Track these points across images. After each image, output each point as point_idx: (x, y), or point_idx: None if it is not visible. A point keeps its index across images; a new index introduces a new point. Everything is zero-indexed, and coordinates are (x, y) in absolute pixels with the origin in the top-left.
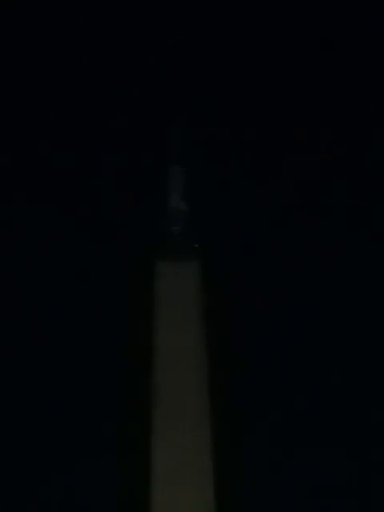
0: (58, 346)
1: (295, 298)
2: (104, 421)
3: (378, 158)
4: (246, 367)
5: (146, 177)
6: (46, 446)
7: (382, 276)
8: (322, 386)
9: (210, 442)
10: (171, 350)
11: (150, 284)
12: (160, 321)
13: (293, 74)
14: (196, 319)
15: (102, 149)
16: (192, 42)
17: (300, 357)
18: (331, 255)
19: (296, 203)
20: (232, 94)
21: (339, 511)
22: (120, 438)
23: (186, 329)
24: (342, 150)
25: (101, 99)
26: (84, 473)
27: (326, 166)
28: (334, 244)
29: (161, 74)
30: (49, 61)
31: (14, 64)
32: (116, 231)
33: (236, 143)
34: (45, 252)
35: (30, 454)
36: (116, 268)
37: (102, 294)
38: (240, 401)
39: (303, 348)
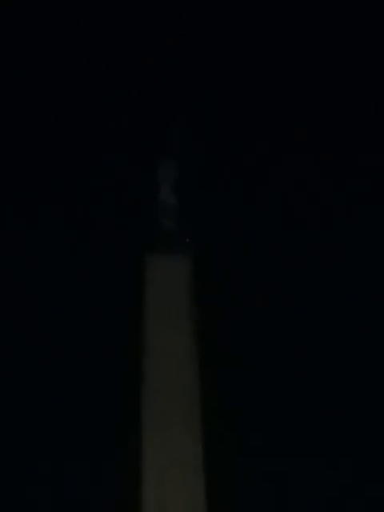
0: (47, 342)
1: (287, 292)
2: (93, 418)
3: (377, 157)
4: (237, 363)
5: (137, 171)
6: (35, 444)
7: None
8: (317, 383)
9: (200, 441)
10: (161, 344)
11: (140, 278)
12: (150, 315)
13: (292, 72)
14: (187, 314)
15: (91, 144)
16: (191, 41)
17: (292, 352)
18: (325, 252)
19: (288, 198)
20: (224, 87)
21: (332, 506)
22: (110, 436)
23: (177, 323)
24: (339, 148)
25: (90, 94)
26: (74, 472)
27: (321, 163)
28: (328, 242)
29: (158, 72)
30: (49, 61)
31: (14, 64)
32: (107, 225)
33: (228, 137)
34: (34, 247)
35: (23, 452)
36: (106, 262)
37: (92, 288)
38: (231, 397)
39: (296, 343)
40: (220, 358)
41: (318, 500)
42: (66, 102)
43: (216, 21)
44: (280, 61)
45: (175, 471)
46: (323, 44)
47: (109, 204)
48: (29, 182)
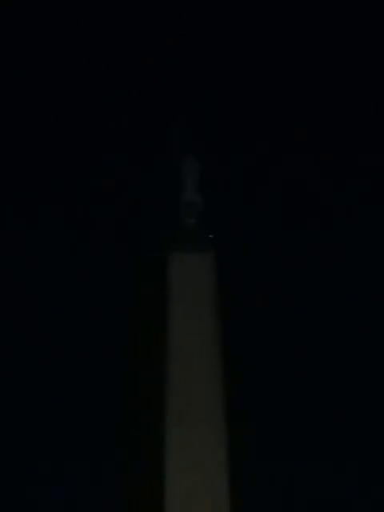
0: (71, 338)
1: (309, 289)
2: (115, 413)
3: (377, 157)
4: (260, 359)
5: (160, 170)
6: (57, 441)
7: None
8: (343, 387)
9: (224, 435)
10: (185, 341)
11: (163, 275)
12: (174, 312)
13: (292, 72)
14: (210, 311)
15: (117, 143)
16: (191, 41)
17: (319, 351)
18: (344, 249)
19: (308, 195)
20: (224, 87)
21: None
22: (132, 429)
23: (200, 320)
24: (339, 148)
25: (114, 111)
26: (96, 469)
27: (337, 161)
28: (347, 240)
29: (175, 83)
30: (49, 61)
31: (14, 65)
32: (131, 224)
33: (250, 136)
34: (61, 245)
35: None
36: (130, 260)
37: (116, 286)
38: (254, 394)
39: (319, 339)
40: (243, 352)
41: (339, 499)
42: (67, 102)
43: (216, 21)
44: (280, 61)
45: (198, 471)
46: (323, 44)
47: (133, 203)
48: (55, 182)
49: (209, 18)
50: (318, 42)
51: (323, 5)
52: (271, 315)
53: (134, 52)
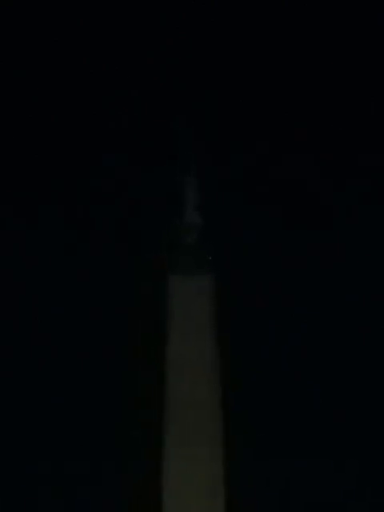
0: (71, 358)
1: (311, 310)
2: (115, 432)
3: (377, 157)
4: (260, 381)
5: (159, 189)
6: (55, 451)
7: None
8: (342, 398)
9: (222, 455)
10: (184, 363)
11: (163, 297)
12: (173, 334)
13: (292, 72)
14: (209, 333)
15: (115, 161)
16: (191, 41)
17: (319, 368)
18: (350, 269)
19: (311, 216)
20: (247, 107)
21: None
22: (131, 450)
23: (200, 342)
24: (339, 148)
25: (114, 111)
26: (93, 482)
27: (338, 170)
28: (353, 258)
29: (175, 83)
30: (49, 61)
31: (14, 65)
32: (129, 243)
33: (250, 155)
34: (56, 265)
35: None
36: (129, 281)
37: (115, 307)
38: (253, 414)
39: (323, 359)
40: (243, 374)
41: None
42: (67, 102)
43: (216, 21)
44: (280, 61)
45: (196, 484)
46: (323, 44)
47: (132, 222)
48: (48, 198)
49: (209, 18)
50: (318, 42)
51: (323, 5)
52: (274, 334)
53: (134, 52)
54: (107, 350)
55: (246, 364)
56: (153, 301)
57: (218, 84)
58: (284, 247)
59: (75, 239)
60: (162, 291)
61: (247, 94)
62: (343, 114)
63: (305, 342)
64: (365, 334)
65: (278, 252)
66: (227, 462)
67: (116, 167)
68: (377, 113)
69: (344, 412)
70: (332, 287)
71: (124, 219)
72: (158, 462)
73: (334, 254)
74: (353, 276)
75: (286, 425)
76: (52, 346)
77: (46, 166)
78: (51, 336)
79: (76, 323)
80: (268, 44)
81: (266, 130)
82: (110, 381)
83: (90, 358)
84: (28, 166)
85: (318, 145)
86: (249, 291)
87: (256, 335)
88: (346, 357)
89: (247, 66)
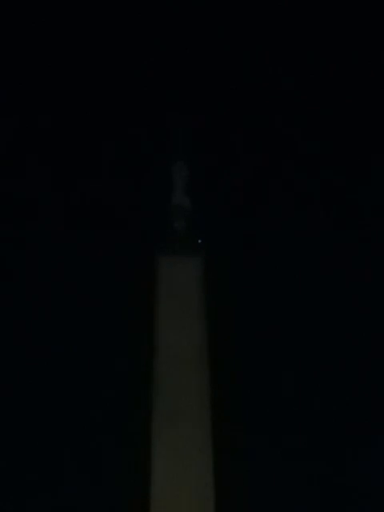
0: (58, 342)
1: (297, 293)
2: (104, 417)
3: (377, 157)
4: (248, 364)
5: (148, 173)
6: (45, 445)
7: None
8: (325, 385)
9: (210, 439)
10: (173, 345)
11: (152, 280)
12: (162, 316)
13: (293, 72)
14: (198, 315)
15: (104, 146)
16: (191, 41)
17: (303, 354)
18: (337, 254)
19: (299, 199)
20: (235, 91)
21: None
22: (119, 435)
23: (188, 324)
24: (339, 147)
25: (103, 97)
26: (83, 473)
27: (330, 163)
28: (340, 243)
29: (163, 73)
30: (49, 61)
31: (14, 65)
32: (119, 227)
33: (239, 140)
34: (46, 249)
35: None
36: (119, 264)
37: (104, 290)
38: (241, 398)
39: (306, 345)
40: (231, 357)
41: (326, 498)
42: (67, 102)
43: (216, 21)
44: (280, 60)
45: (184, 469)
46: (323, 44)
47: (121, 207)
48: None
49: (209, 18)
50: (318, 42)
51: (322, 7)
52: (261, 317)
53: (133, 53)
54: (96, 333)
55: (234, 346)
56: (142, 283)
57: (207, 73)
58: (272, 231)
59: (65, 224)
60: (151, 273)
61: (235, 83)
62: (343, 114)
63: (292, 324)
64: (353, 317)
65: (265, 235)
66: (215, 444)
67: (106, 153)
68: (377, 113)
69: (333, 398)
70: (320, 271)
71: (114, 203)
72: (146, 447)
73: (322, 237)
74: (340, 261)
75: (273, 407)
76: (40, 331)
77: (50, 164)
78: (39, 320)
79: (64, 306)
80: (267, 44)
81: (255, 116)
82: (98, 362)
83: (78, 339)
84: (26, 167)
85: (305, 131)
86: (237, 274)
87: (244, 317)
88: (334, 341)
89: (247, 66)
